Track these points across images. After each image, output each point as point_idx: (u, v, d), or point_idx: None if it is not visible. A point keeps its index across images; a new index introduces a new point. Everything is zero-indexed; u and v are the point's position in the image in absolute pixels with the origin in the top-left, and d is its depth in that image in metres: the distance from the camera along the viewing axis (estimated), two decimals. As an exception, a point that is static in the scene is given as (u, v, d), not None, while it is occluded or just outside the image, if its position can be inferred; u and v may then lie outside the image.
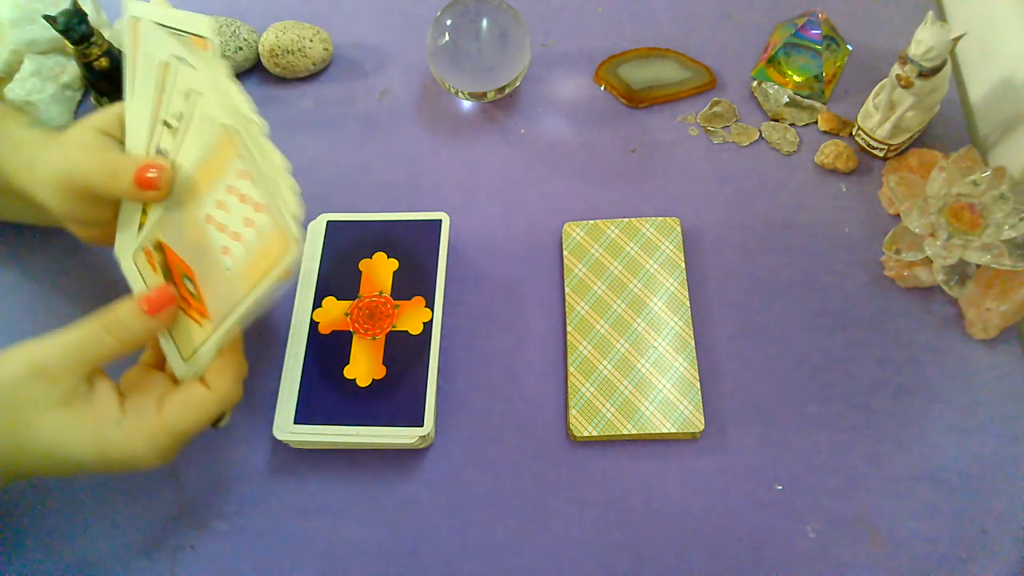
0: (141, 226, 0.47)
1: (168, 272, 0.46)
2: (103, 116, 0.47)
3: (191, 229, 0.43)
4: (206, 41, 0.41)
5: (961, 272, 0.51)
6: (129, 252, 0.48)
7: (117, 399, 0.42)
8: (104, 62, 0.61)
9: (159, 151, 0.44)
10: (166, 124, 0.44)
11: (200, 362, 0.44)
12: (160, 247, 0.46)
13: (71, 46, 0.60)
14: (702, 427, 0.50)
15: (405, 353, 0.52)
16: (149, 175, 0.43)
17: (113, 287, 0.58)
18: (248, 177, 0.39)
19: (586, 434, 0.51)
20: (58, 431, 0.40)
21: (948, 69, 0.54)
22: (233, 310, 0.42)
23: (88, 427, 0.41)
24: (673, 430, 0.50)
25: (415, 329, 0.53)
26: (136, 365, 0.47)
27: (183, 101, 0.42)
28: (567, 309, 0.55)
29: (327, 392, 0.51)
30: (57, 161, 0.45)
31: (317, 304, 0.55)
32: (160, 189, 0.43)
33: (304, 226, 0.58)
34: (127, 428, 0.41)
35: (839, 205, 0.59)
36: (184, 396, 0.43)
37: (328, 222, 0.58)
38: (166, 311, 0.44)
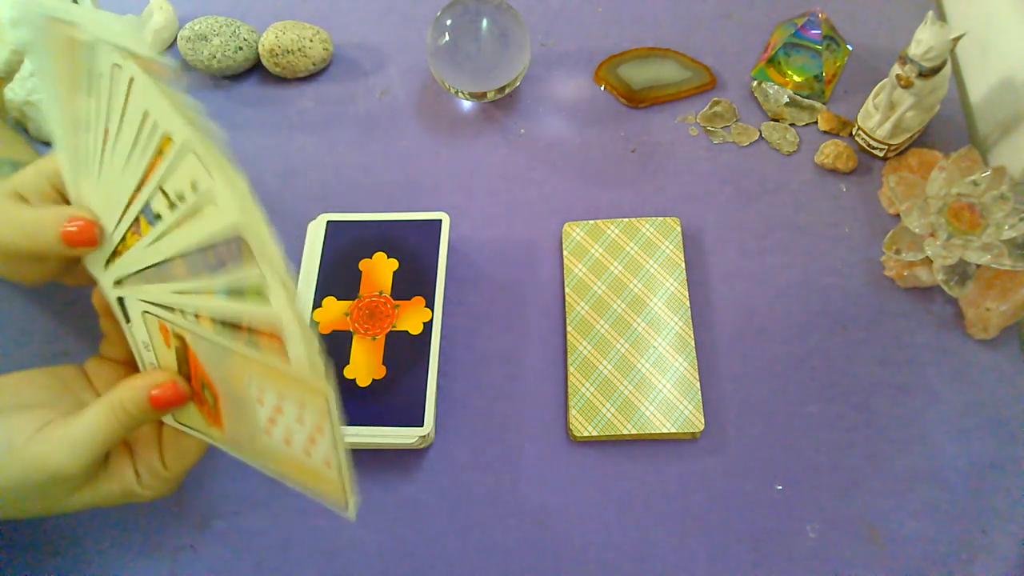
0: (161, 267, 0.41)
1: (183, 365, 0.42)
2: (14, 180, 0.44)
3: (234, 376, 0.39)
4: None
5: (961, 272, 0.51)
6: (136, 304, 0.43)
7: (130, 461, 0.44)
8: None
9: (152, 215, 0.39)
10: (162, 191, 0.38)
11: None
12: (182, 340, 0.41)
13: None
14: (702, 427, 0.50)
15: (405, 353, 0.52)
16: (70, 229, 0.41)
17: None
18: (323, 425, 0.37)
19: (586, 434, 0.51)
20: (88, 502, 0.43)
21: (948, 69, 0.54)
22: (262, 466, 0.42)
23: (115, 491, 0.44)
24: (673, 430, 0.50)
25: (415, 329, 0.53)
26: (97, 357, 0.48)
27: (189, 189, 0.37)
28: (567, 309, 0.55)
29: (327, 392, 0.51)
30: None
31: (317, 304, 0.55)
32: (92, 244, 0.41)
33: (304, 226, 0.58)
34: (146, 485, 0.44)
35: (839, 205, 0.59)
36: (180, 446, 0.45)
37: (328, 222, 0.58)
38: (176, 406, 0.43)
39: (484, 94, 0.64)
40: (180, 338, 0.41)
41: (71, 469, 0.40)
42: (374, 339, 0.53)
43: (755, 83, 0.65)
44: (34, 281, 0.48)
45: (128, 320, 0.44)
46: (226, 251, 0.36)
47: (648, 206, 0.60)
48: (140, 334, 0.44)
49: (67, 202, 0.44)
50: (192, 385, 0.43)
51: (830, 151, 0.60)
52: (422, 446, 0.51)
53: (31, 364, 0.56)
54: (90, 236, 0.41)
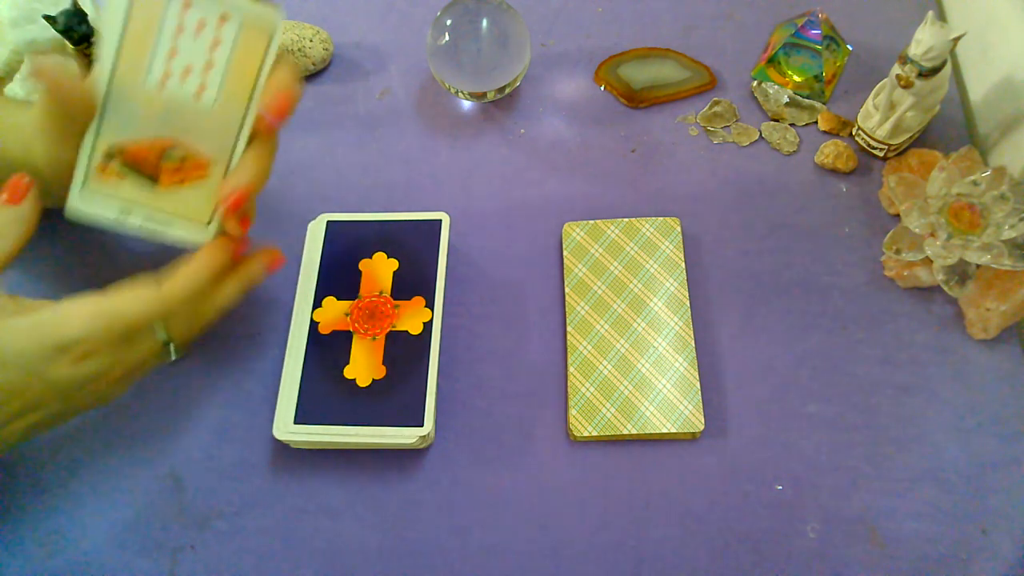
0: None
1: (137, 167, 0.44)
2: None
3: (148, 106, 0.42)
4: None
5: (961, 272, 0.51)
6: (81, 195, 0.44)
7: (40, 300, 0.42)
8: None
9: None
10: None
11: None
12: (112, 154, 0.44)
13: (71, 46, 0.60)
14: (702, 427, 0.50)
15: (405, 353, 0.52)
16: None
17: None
18: (201, 13, 0.38)
19: (586, 434, 0.51)
20: (18, 337, 0.40)
21: (948, 69, 0.54)
22: (243, 123, 0.42)
23: (17, 320, 0.40)
24: (673, 430, 0.50)
25: (415, 329, 0.53)
26: None
27: None
28: (567, 309, 0.55)
29: (327, 392, 0.51)
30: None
31: (317, 304, 0.55)
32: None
33: (304, 226, 0.58)
34: (64, 307, 0.41)
35: (839, 205, 0.59)
36: (128, 284, 0.43)
37: (328, 222, 0.58)
38: (27, 194, 0.42)
39: (484, 94, 0.64)
40: (111, 156, 0.43)
41: None
42: (374, 339, 0.53)
43: (755, 83, 0.65)
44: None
45: None
46: None
47: (648, 206, 0.60)
48: (109, 214, 0.45)
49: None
50: (156, 170, 0.44)
51: (830, 151, 0.60)
52: (422, 446, 0.51)
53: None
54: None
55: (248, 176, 0.45)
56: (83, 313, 0.41)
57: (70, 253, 0.60)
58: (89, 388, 0.43)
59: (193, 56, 0.40)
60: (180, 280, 0.44)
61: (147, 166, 0.44)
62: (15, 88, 0.65)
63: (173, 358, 0.47)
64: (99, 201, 0.45)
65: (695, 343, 0.53)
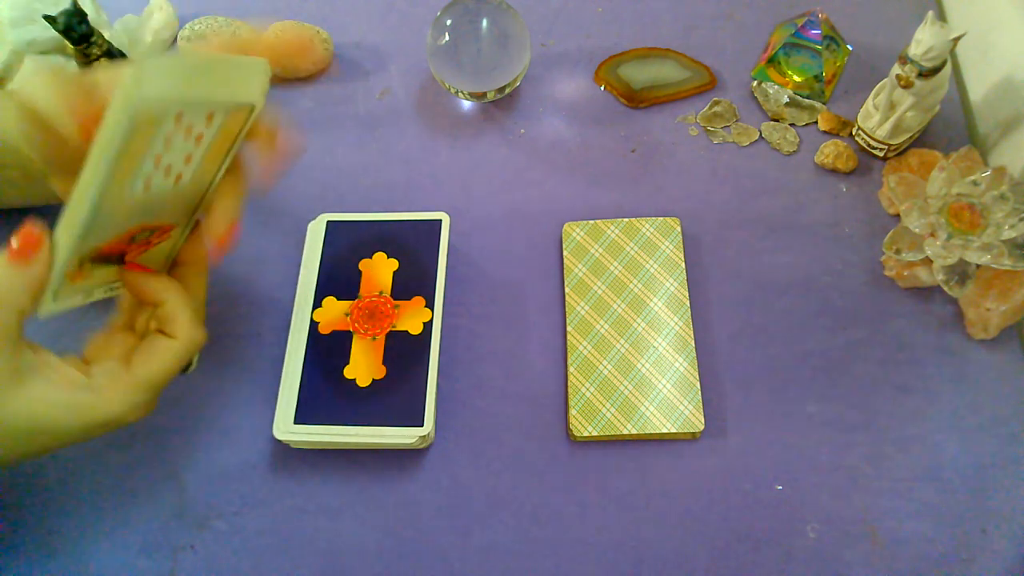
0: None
1: (106, 258, 0.43)
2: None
3: (128, 209, 0.40)
4: None
5: (961, 272, 0.51)
6: (53, 303, 0.42)
7: (76, 365, 0.42)
8: (104, 62, 0.61)
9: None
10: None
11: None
12: (84, 260, 0.41)
13: (71, 46, 0.60)
14: (702, 427, 0.50)
15: (405, 353, 0.52)
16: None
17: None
18: (190, 120, 0.37)
19: (586, 434, 0.51)
20: (28, 404, 0.39)
21: (948, 69, 0.54)
22: (212, 183, 0.42)
23: (57, 395, 0.40)
24: (673, 430, 0.50)
25: (415, 329, 0.53)
26: (101, 330, 0.46)
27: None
28: (567, 309, 0.55)
29: (327, 392, 0.51)
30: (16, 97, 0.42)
31: (317, 304, 0.55)
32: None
33: (304, 226, 0.58)
34: (99, 390, 0.41)
35: (839, 205, 0.59)
36: (149, 347, 0.43)
37: (328, 222, 0.58)
38: (39, 251, 0.39)
39: (484, 94, 0.64)
40: (82, 262, 0.41)
41: None
42: (374, 339, 0.53)
43: (755, 83, 0.65)
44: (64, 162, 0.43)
45: None
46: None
47: (648, 206, 0.60)
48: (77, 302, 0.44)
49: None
50: (128, 252, 0.43)
51: (830, 151, 0.60)
52: (422, 446, 0.51)
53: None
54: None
55: (228, 219, 0.44)
56: (120, 391, 0.41)
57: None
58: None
59: (177, 155, 0.39)
60: (182, 319, 0.43)
61: (115, 254, 0.43)
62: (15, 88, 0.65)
63: (191, 371, 0.47)
64: (68, 299, 0.43)
65: (695, 343, 0.53)
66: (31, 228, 0.39)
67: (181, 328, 0.43)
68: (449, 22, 0.61)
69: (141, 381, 0.42)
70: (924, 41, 0.51)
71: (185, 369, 0.46)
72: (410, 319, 0.54)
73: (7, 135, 0.44)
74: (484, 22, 0.60)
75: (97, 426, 0.41)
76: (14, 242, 0.39)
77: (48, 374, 0.40)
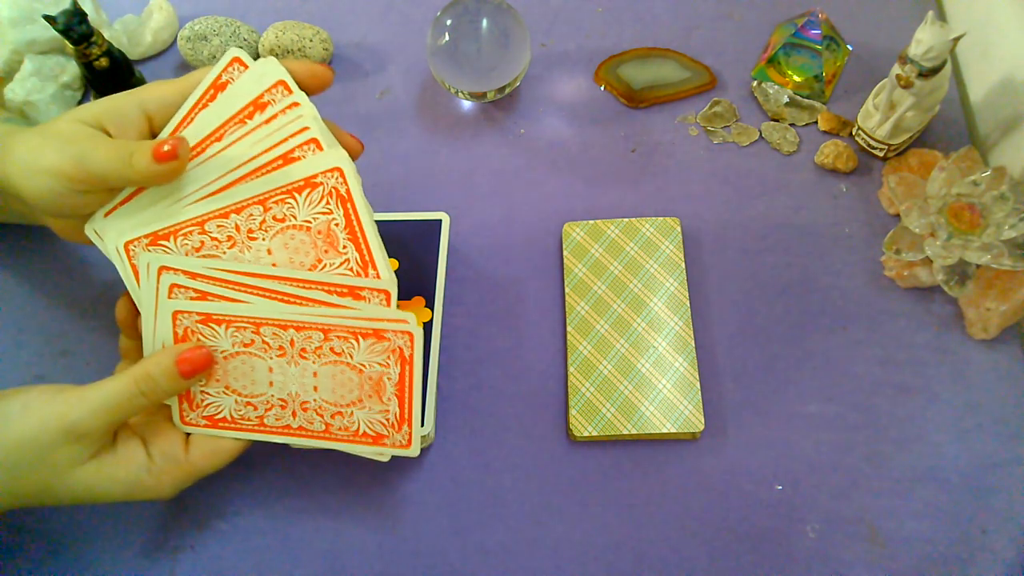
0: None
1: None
2: (92, 110, 0.45)
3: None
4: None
5: (961, 272, 0.51)
6: (150, 262, 0.45)
7: (143, 446, 0.44)
8: (104, 62, 0.61)
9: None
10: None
11: None
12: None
13: (71, 46, 0.60)
14: (702, 427, 0.50)
15: (405, 353, 0.52)
16: (166, 148, 0.41)
17: (112, 287, 0.59)
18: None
19: (586, 434, 0.51)
20: (91, 483, 0.42)
21: (948, 69, 0.54)
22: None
23: (120, 476, 0.42)
24: (673, 430, 0.50)
25: (415, 329, 0.53)
26: None
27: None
28: (567, 309, 0.55)
29: (327, 392, 0.51)
30: (55, 152, 0.43)
31: (317, 304, 0.55)
32: (179, 159, 0.42)
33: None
34: (157, 473, 0.43)
35: (839, 205, 0.59)
36: (214, 445, 0.45)
37: (328, 222, 0.58)
38: (203, 372, 0.44)
39: (484, 94, 0.64)
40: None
41: (86, 425, 0.40)
42: (374, 339, 0.53)
43: (755, 83, 0.65)
44: (74, 214, 0.46)
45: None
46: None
47: (648, 206, 0.60)
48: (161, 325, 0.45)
49: (153, 135, 0.45)
50: None
51: (830, 151, 0.60)
52: (422, 446, 0.51)
53: (31, 364, 0.57)
54: (184, 152, 0.42)
55: None
56: (176, 480, 0.44)
57: (67, 255, 0.60)
58: None
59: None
60: None
61: None
62: (15, 88, 0.65)
63: None
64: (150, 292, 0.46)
65: (695, 343, 0.53)
66: (205, 351, 0.44)
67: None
68: (449, 22, 0.61)
69: (197, 472, 0.44)
70: (924, 41, 0.51)
71: None
72: (410, 319, 0.53)
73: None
74: (484, 22, 0.60)
75: (140, 499, 0.43)
76: (188, 354, 0.44)
77: (114, 459, 0.42)
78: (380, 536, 0.50)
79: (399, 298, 0.54)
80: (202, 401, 0.45)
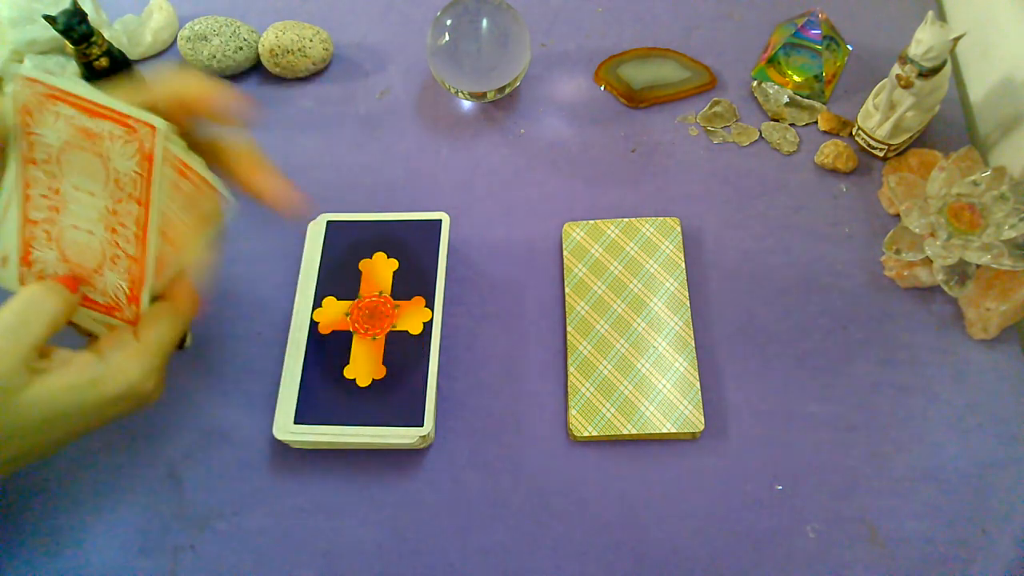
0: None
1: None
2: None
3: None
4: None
5: (961, 272, 0.51)
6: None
7: (88, 348, 0.42)
8: (104, 62, 0.61)
9: None
10: None
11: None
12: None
13: (71, 46, 0.60)
14: (702, 427, 0.50)
15: (405, 353, 0.52)
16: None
17: None
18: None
19: (586, 434, 0.51)
20: (47, 397, 0.39)
21: (948, 69, 0.54)
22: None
23: (73, 377, 0.40)
24: (673, 430, 0.50)
25: (415, 329, 0.53)
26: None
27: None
28: (567, 309, 0.55)
29: (327, 392, 0.51)
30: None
31: (317, 304, 0.55)
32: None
33: (304, 226, 0.58)
34: (114, 362, 0.41)
35: (839, 205, 0.59)
36: (152, 315, 0.43)
37: (328, 222, 0.58)
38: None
39: (484, 94, 0.64)
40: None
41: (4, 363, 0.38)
42: (374, 339, 0.53)
43: (755, 83, 0.65)
44: None
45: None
46: None
47: (648, 206, 0.60)
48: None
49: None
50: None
51: (830, 151, 0.60)
52: (422, 446, 0.51)
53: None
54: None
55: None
56: (132, 358, 0.42)
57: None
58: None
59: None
60: (177, 287, 0.44)
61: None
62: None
63: (187, 346, 0.47)
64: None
65: (695, 343, 0.53)
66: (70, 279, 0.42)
67: (178, 294, 0.44)
68: (449, 22, 0.61)
69: (151, 344, 0.42)
70: (924, 41, 0.51)
71: (181, 345, 0.46)
72: (410, 319, 0.54)
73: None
74: (484, 22, 0.60)
75: (116, 398, 0.41)
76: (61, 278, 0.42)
77: (62, 365, 0.41)
78: (380, 536, 0.50)
79: (399, 298, 0.55)
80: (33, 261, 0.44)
